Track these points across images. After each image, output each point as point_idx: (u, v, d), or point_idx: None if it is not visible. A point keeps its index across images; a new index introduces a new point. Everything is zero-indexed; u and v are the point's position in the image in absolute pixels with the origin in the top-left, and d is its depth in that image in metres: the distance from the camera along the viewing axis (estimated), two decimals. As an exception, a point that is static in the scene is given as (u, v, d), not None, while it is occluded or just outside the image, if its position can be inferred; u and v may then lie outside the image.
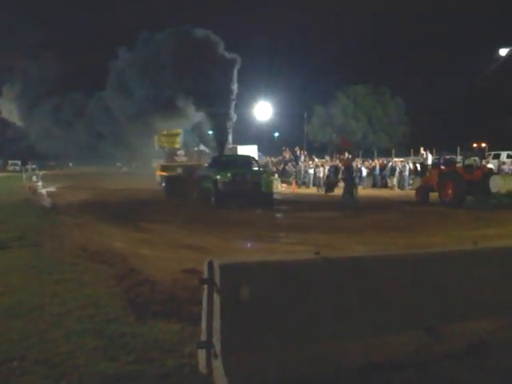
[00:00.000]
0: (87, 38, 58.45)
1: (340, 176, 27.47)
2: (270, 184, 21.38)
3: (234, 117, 37.18)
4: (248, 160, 24.69)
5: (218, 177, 20.23)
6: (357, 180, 29.08)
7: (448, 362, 4.43)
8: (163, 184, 27.43)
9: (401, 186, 32.11)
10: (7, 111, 60.66)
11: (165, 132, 39.59)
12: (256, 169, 22.55)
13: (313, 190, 32.02)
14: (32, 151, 61.02)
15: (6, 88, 58.08)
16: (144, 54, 41.40)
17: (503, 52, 35.67)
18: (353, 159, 34.87)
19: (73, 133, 55.58)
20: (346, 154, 37.88)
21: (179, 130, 40.54)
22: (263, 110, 53.02)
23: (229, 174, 20.09)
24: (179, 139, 39.14)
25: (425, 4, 71.66)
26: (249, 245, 11.73)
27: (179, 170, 26.60)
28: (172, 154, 33.69)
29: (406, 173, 32.01)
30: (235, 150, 37.96)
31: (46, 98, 57.75)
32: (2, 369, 4.38)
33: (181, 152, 33.97)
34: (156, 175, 32.11)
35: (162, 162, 32.70)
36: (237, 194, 19.68)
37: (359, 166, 35.52)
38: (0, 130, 66.94)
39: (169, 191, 24.83)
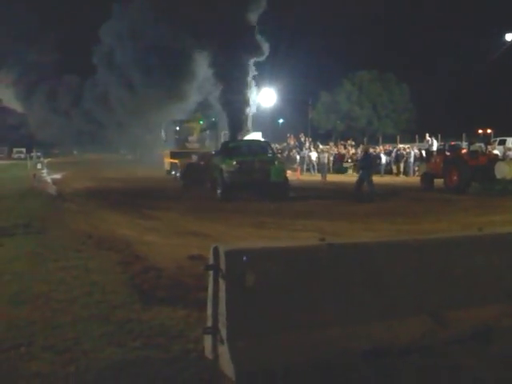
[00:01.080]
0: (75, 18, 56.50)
1: (358, 163, 24.65)
2: (281, 172, 19.24)
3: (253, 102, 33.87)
4: (260, 145, 22.67)
5: (223, 166, 18.68)
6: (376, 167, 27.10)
7: (453, 347, 4.44)
8: (178, 172, 26.11)
9: (406, 172, 32.08)
10: (6, 98, 60.13)
11: (185, 120, 35.54)
12: (266, 155, 20.30)
13: (317, 177, 31.97)
14: (34, 139, 60.70)
15: (3, 73, 56.97)
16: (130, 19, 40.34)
17: (509, 37, 35.47)
18: (370, 146, 33.60)
19: (72, 121, 54.88)
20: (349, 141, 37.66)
21: (199, 116, 37.12)
22: (268, 97, 52.79)
23: (234, 162, 18.48)
24: (200, 127, 34.46)
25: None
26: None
27: (194, 157, 25.05)
28: (183, 140, 32.01)
29: (412, 159, 31.95)
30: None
31: (41, 83, 56.82)
32: (10, 354, 4.41)
33: (192, 138, 32.10)
34: (164, 162, 31.17)
35: (171, 148, 31.18)
36: (244, 184, 18.15)
37: (378, 152, 34.74)
38: (2, 118, 66.67)
39: (186, 179, 23.49)
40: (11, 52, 55.18)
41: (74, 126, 54.50)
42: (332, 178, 31.28)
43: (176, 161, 27.31)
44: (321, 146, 39.73)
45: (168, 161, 30.04)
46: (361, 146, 36.93)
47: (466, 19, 63.96)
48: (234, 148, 20.86)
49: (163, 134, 35.70)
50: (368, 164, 20.20)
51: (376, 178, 21.99)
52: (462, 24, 63.68)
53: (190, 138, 31.87)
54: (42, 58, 56.17)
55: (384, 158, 33.67)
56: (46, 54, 56.16)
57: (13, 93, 58.71)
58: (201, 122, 33.70)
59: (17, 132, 67.08)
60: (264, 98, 51.89)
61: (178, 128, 33.41)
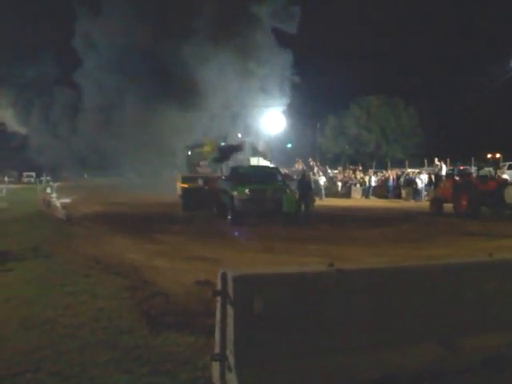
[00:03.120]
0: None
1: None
2: (292, 202, 18.63)
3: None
4: (271, 172, 22.06)
5: (235, 193, 18.25)
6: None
7: (464, 375, 4.39)
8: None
9: (415, 197, 31.96)
10: (7, 120, 59.77)
11: (196, 145, 35.65)
12: (279, 184, 19.82)
13: (325, 202, 31.93)
14: (35, 162, 60.10)
15: (1, 94, 56.36)
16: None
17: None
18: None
19: (73, 145, 53.49)
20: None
21: (206, 141, 36.47)
22: (276, 121, 52.92)
23: (246, 190, 18.11)
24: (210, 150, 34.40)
25: (437, 15, 71.54)
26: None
27: (200, 182, 24.70)
28: (194, 164, 31.86)
29: (421, 184, 31.86)
30: (248, 161, 37.03)
31: (37, 100, 55.83)
32: (17, 380, 4.39)
33: (204, 163, 31.71)
34: (177, 187, 31.18)
35: (183, 173, 30.49)
36: (255, 212, 17.98)
37: (412, 176, 33.92)
38: (5, 141, 65.61)
39: (186, 204, 23.20)
40: (7, 72, 54.59)
41: (76, 150, 53.28)
42: (340, 202, 31.24)
43: (186, 185, 27.28)
44: (329, 171, 39.79)
45: (180, 185, 30.06)
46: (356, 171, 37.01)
47: (474, 44, 64.37)
48: (245, 174, 20.34)
49: (179, 159, 35.53)
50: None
51: (383, 203, 21.86)
52: (470, 48, 64.10)
53: (202, 163, 31.80)
54: (39, 75, 55.44)
55: (419, 183, 32.67)
56: (43, 70, 55.44)
57: (12, 114, 58.24)
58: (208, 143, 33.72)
59: (19, 155, 66.50)
60: (272, 122, 52.05)
61: (189, 153, 33.38)
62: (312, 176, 37.27)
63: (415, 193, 31.77)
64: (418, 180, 32.52)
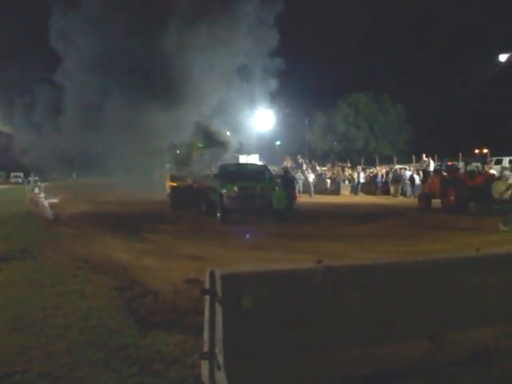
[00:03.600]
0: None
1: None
2: (282, 199, 18.75)
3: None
4: (259, 170, 21.90)
5: (224, 190, 18.21)
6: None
7: (452, 369, 4.41)
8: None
9: (404, 193, 32.06)
10: None
11: (185, 144, 35.62)
12: (267, 181, 19.80)
13: (315, 199, 31.99)
14: (20, 162, 59.14)
15: None
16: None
17: (503, 58, 35.74)
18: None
19: (57, 144, 52.10)
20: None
21: (200, 139, 37.33)
22: (264, 119, 52.87)
23: (235, 188, 18.10)
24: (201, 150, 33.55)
25: (424, 11, 71.81)
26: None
27: (189, 180, 24.87)
28: (183, 162, 32.20)
29: (408, 180, 31.96)
30: (236, 159, 36.95)
31: (18, 100, 54.55)
32: (5, 382, 4.37)
33: (192, 161, 31.05)
34: (166, 186, 31.07)
35: (172, 171, 30.41)
36: (244, 209, 18.04)
37: (408, 172, 33.38)
38: None
39: (174, 202, 23.31)
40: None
41: (61, 149, 51.96)
42: (329, 199, 31.30)
43: (175, 184, 27.21)
44: (318, 168, 39.84)
45: (169, 184, 29.95)
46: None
47: (461, 40, 64.67)
48: (234, 172, 20.38)
49: (166, 157, 35.29)
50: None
51: (371, 199, 21.94)
52: (458, 45, 64.39)
53: (190, 162, 31.67)
54: (20, 74, 54.29)
55: (418, 179, 31.91)
56: (24, 69, 54.27)
57: None
58: (200, 145, 33.36)
59: (6, 155, 65.58)
60: (261, 120, 51.99)
61: (178, 151, 33.20)
62: (301, 173, 37.39)
63: (415, 188, 31.63)
64: (415, 176, 32.61)
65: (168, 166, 34.36)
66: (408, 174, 32.21)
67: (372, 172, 38.47)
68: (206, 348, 4.09)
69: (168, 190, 29.24)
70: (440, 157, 34.86)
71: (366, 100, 65.40)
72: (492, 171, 24.98)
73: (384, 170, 36.96)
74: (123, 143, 40.40)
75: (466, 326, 4.78)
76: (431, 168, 29.65)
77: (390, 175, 34.65)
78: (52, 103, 50.64)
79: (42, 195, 30.86)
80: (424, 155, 33.48)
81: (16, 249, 11.00)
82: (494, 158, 35.35)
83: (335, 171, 40.49)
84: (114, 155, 43.31)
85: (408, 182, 31.81)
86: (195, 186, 23.15)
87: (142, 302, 6.65)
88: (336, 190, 36.41)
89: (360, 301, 4.41)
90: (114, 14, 36.41)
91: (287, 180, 21.51)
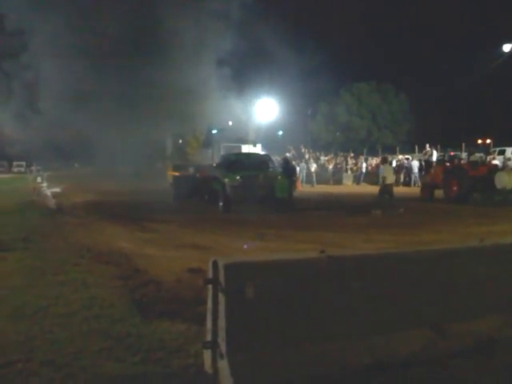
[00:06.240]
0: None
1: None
2: (285, 188, 18.96)
3: None
4: (262, 159, 21.77)
5: (227, 180, 18.29)
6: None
7: (455, 360, 4.40)
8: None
9: (407, 182, 32.05)
10: None
11: (187, 133, 34.61)
12: (270, 170, 19.97)
13: (317, 188, 31.97)
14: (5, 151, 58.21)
15: None
16: None
17: (507, 48, 35.61)
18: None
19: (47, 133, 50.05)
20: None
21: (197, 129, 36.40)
22: (267, 108, 52.71)
23: (238, 177, 18.18)
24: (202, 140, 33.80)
25: (426, 0, 71.44)
26: (245, 246, 11.30)
27: (191, 170, 24.61)
28: (186, 153, 31.72)
29: (415, 170, 31.92)
30: (239, 148, 36.79)
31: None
32: (8, 371, 4.37)
33: (195, 151, 31.72)
34: (167, 175, 30.97)
35: (174, 161, 30.43)
36: (247, 199, 17.86)
37: (415, 162, 33.40)
38: None
39: (176, 192, 23.11)
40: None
41: (53, 138, 50.11)
42: (332, 189, 31.29)
43: (177, 173, 27.12)
44: (322, 158, 39.82)
45: (171, 173, 29.85)
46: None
47: (465, 30, 64.33)
48: (236, 161, 20.37)
49: (168, 147, 35.16)
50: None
51: (377, 189, 21.85)
52: (461, 35, 64.07)
53: (193, 151, 31.62)
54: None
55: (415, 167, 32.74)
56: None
57: None
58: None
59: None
60: (263, 109, 51.83)
61: (180, 141, 33.12)
62: (304, 163, 37.35)
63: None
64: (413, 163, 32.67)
65: (170, 155, 34.30)
66: (416, 164, 32.16)
67: (374, 162, 38.42)
68: (208, 337, 4.09)
69: (170, 180, 29.16)
70: (443, 147, 34.80)
71: (368, 89, 65.21)
72: (495, 162, 24.96)
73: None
74: (125, 132, 39.83)
75: (469, 315, 4.77)
76: (434, 158, 29.60)
77: (393, 165, 34.60)
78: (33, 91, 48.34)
79: (45, 184, 30.92)
80: (427, 145, 33.41)
81: (19, 238, 11.00)
82: (497, 149, 35.27)
83: (338, 161, 40.48)
84: (115, 145, 42.74)
85: (416, 171, 31.74)
86: (197, 175, 23.09)
87: (145, 291, 6.65)
88: (338, 180, 36.41)
89: (363, 291, 4.40)
90: None
91: (288, 169, 21.75)
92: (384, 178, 19.49)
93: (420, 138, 44.16)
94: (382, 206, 17.92)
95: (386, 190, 19.12)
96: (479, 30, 63.13)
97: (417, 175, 31.66)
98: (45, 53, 37.57)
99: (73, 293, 6.69)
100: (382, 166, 21.10)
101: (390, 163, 25.51)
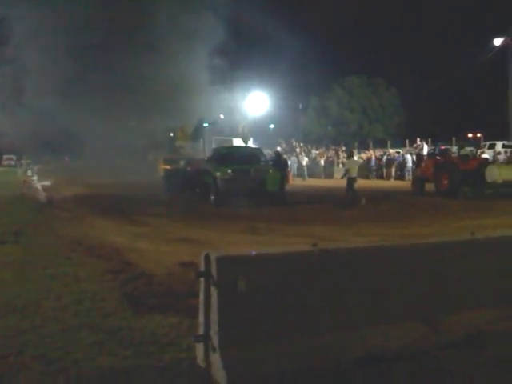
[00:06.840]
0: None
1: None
2: (276, 181, 18.96)
3: None
4: (253, 153, 21.87)
5: (218, 173, 18.29)
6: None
7: (446, 352, 4.42)
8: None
9: (399, 176, 32.10)
10: None
11: (179, 127, 34.02)
12: (261, 164, 20.05)
13: (308, 182, 31.99)
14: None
15: None
16: None
17: (497, 42, 35.72)
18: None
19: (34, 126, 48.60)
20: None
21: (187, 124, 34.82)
22: (258, 102, 52.63)
23: (229, 171, 18.20)
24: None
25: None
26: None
27: (182, 163, 24.44)
28: (177, 146, 31.95)
29: (409, 164, 31.98)
30: (230, 142, 36.64)
31: None
32: (-1, 364, 4.35)
33: (186, 144, 30.90)
34: (159, 169, 30.81)
35: (165, 154, 30.02)
36: (238, 192, 17.77)
37: (409, 156, 33.30)
38: None
39: (168, 186, 23.18)
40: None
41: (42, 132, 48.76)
42: (323, 182, 31.32)
43: (168, 167, 27.03)
44: (313, 151, 39.80)
45: (162, 167, 29.71)
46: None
47: (455, 24, 64.45)
48: (227, 155, 20.33)
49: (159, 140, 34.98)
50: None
51: (365, 182, 22.05)
52: (451, 29, 64.19)
53: (184, 144, 31.44)
54: None
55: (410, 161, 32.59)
56: None
57: None
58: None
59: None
60: (254, 102, 51.73)
61: (171, 134, 32.99)
62: (295, 157, 37.37)
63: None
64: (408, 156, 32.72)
65: (161, 148, 34.11)
66: (409, 157, 32.21)
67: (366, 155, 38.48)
68: (200, 330, 4.09)
69: (161, 173, 29.01)
70: (434, 141, 34.88)
71: (359, 83, 65.29)
72: (485, 155, 25.06)
73: (377, 154, 37.02)
74: (115, 126, 39.32)
75: (460, 308, 4.79)
76: (425, 152, 29.68)
77: (384, 159, 34.68)
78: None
79: (35, 178, 30.76)
80: (418, 139, 33.49)
81: (9, 231, 10.94)
82: (488, 143, 35.43)
83: (329, 154, 40.51)
84: (106, 139, 42.16)
85: (410, 165, 31.77)
86: (189, 169, 23.03)
87: (136, 285, 6.63)
88: (330, 174, 36.44)
89: (355, 284, 4.41)
90: None
91: (280, 163, 21.95)
92: (348, 171, 20.01)
93: (411, 132, 44.30)
94: (352, 199, 18.49)
95: (350, 182, 19.42)
96: (470, 23, 63.32)
97: (410, 169, 31.71)
98: (32, 44, 37.01)
99: (64, 286, 6.66)
100: (347, 161, 21.61)
101: (353, 156, 25.89)
